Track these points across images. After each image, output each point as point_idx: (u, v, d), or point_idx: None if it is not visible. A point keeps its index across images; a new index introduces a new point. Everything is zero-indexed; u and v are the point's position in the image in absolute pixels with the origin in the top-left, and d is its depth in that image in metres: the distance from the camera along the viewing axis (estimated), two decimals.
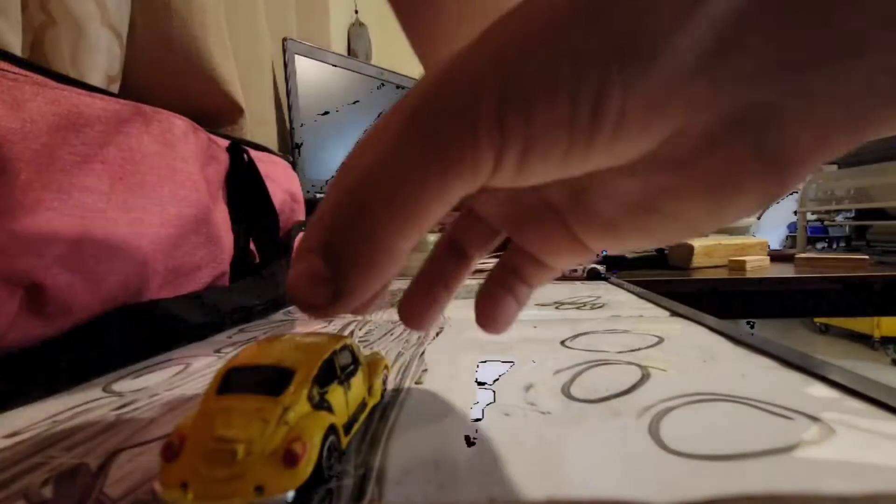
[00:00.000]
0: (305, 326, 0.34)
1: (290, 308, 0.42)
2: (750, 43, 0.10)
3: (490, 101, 0.10)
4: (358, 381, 0.15)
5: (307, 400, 0.12)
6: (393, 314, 0.35)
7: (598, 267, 0.59)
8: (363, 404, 0.16)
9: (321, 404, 0.13)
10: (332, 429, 0.13)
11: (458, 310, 0.35)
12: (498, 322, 0.17)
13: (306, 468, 0.11)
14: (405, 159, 0.11)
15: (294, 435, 0.11)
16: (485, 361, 0.23)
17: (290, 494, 0.11)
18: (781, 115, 0.10)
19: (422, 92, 0.11)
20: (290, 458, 0.11)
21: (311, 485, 0.11)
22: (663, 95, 0.10)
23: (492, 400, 0.18)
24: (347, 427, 0.14)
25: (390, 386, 0.20)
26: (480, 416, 0.17)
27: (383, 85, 1.03)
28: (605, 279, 0.57)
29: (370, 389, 0.17)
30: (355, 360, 0.16)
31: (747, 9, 0.09)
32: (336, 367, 0.14)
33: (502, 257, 0.17)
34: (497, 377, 0.21)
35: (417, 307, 0.17)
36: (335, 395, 0.14)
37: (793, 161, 0.11)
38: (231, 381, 0.12)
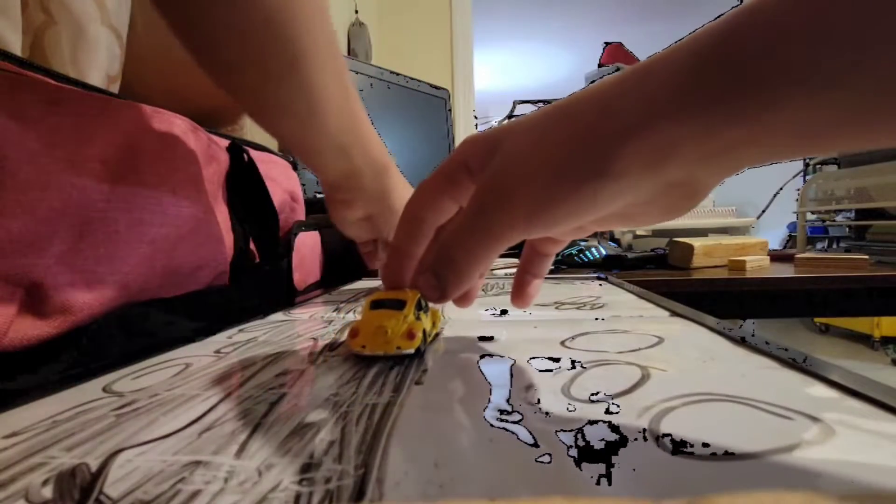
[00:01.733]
0: (305, 323, 0.34)
1: (290, 308, 0.42)
2: (681, 159, 0.17)
3: (522, 214, 0.20)
4: (430, 315, 0.27)
5: (413, 315, 0.24)
6: None
7: None
8: (432, 329, 0.27)
9: (418, 318, 0.25)
10: (423, 330, 0.25)
11: (458, 310, 0.35)
12: (526, 298, 0.28)
13: (417, 341, 0.24)
14: (474, 236, 0.21)
15: (411, 327, 0.24)
16: (485, 361, 0.23)
17: (411, 351, 0.23)
18: (699, 179, 0.19)
19: (482, 197, 0.21)
20: (411, 336, 0.23)
21: (418, 351, 0.24)
22: (635, 184, 0.18)
23: (492, 400, 0.18)
24: (428, 334, 0.26)
25: (389, 386, 0.20)
26: (480, 416, 0.17)
27: (389, 87, 1.03)
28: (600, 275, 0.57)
29: (434, 324, 0.28)
30: (427, 305, 0.26)
31: (679, 152, 0.17)
32: (422, 303, 0.25)
33: (525, 243, 0.28)
34: (497, 377, 0.21)
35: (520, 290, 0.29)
36: (423, 316, 0.25)
37: (706, 191, 0.20)
38: (375, 304, 0.25)
